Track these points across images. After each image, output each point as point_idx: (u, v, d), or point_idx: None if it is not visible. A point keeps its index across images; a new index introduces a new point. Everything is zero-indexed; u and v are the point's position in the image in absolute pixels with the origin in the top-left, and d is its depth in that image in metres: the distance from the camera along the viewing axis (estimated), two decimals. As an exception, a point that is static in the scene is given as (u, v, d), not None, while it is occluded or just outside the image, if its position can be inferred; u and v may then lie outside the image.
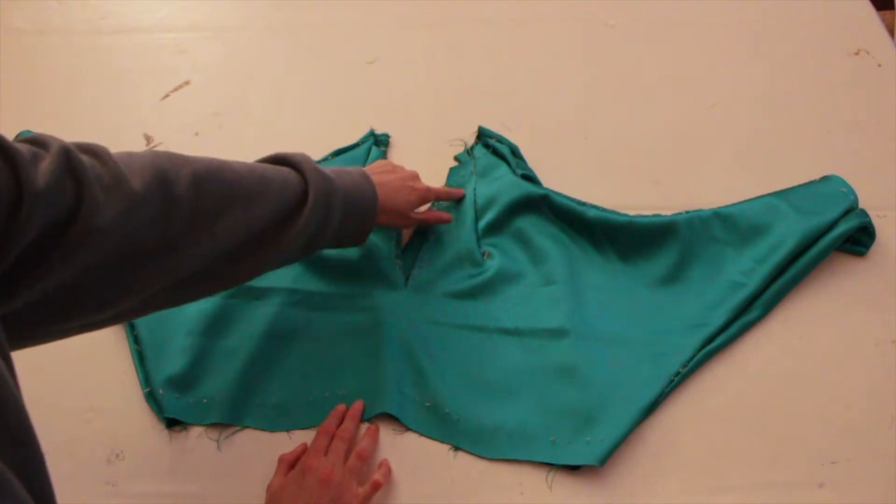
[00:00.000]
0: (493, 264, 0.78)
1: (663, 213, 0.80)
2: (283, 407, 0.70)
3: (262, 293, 0.76)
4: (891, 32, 1.03)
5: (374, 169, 0.75)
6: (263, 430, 0.69)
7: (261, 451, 0.68)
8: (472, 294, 0.77)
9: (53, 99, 0.99)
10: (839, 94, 0.95)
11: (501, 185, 0.83)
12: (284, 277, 0.77)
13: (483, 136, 0.90)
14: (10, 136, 0.89)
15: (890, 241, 0.80)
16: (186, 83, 1.00)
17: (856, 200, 0.78)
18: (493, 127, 0.91)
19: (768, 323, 0.74)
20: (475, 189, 0.84)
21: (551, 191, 0.82)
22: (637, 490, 0.65)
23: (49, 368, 0.74)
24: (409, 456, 0.67)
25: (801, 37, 1.02)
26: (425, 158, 0.89)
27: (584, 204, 0.82)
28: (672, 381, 0.70)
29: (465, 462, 0.67)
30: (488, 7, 1.08)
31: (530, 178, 0.85)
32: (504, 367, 0.72)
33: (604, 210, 0.81)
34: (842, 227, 0.76)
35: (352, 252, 0.78)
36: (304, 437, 0.68)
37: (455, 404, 0.69)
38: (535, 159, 0.88)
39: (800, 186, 0.81)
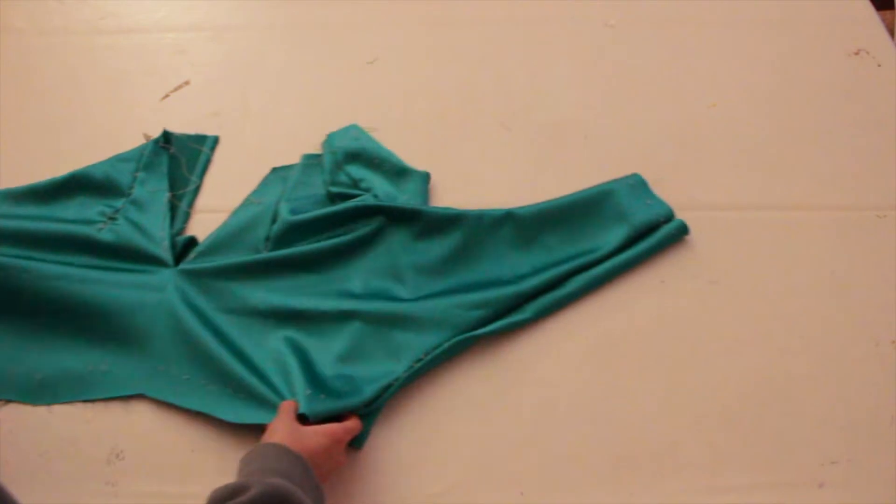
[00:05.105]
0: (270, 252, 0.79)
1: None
2: (46, 380, 0.71)
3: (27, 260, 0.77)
4: (891, 32, 1.03)
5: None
6: (26, 403, 0.70)
7: (261, 451, 0.68)
8: (239, 276, 0.77)
9: (53, 99, 0.99)
10: (839, 94, 0.95)
11: (305, 202, 0.83)
12: (52, 249, 0.78)
13: (328, 143, 0.90)
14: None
15: (890, 241, 0.80)
16: (186, 83, 1.00)
17: (664, 211, 0.80)
18: (493, 127, 0.91)
19: (768, 323, 0.74)
20: (281, 196, 0.84)
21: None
22: (637, 490, 0.65)
23: (49, 368, 0.74)
24: (408, 456, 0.67)
25: (801, 37, 1.02)
26: (425, 158, 0.89)
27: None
28: (412, 367, 0.71)
29: (466, 462, 0.67)
30: (488, 7, 1.08)
31: (346, 195, 0.84)
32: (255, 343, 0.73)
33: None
34: (650, 241, 0.78)
35: (123, 229, 0.80)
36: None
37: (200, 374, 0.71)
38: (536, 159, 0.88)
39: (602, 193, 0.82)
